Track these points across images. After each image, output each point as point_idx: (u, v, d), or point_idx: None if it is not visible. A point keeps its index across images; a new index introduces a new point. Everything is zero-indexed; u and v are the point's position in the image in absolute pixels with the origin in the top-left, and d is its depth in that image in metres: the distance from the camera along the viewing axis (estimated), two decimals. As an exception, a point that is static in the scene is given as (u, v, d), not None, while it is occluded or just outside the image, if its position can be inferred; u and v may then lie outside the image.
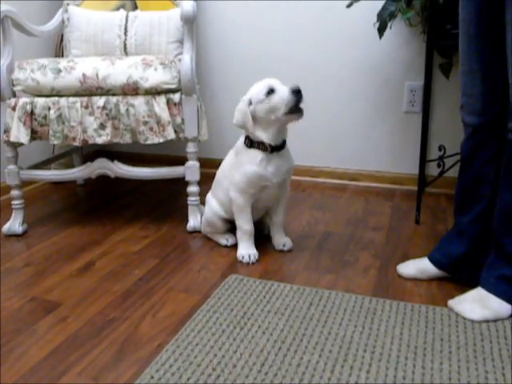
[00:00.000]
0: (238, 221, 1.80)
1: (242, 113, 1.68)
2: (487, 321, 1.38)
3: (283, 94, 1.63)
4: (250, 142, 1.73)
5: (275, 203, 1.85)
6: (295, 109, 1.63)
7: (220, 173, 1.88)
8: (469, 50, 1.43)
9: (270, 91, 1.65)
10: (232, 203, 1.78)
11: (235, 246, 1.85)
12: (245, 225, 1.79)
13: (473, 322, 1.38)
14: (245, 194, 1.75)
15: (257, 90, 1.68)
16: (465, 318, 1.40)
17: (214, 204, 1.89)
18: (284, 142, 1.75)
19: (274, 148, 1.72)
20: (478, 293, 1.43)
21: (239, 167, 1.74)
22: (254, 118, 1.69)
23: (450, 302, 1.46)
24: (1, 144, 2.02)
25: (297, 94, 1.62)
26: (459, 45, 1.46)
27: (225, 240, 1.92)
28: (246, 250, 1.80)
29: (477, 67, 1.42)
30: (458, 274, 1.58)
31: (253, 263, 1.77)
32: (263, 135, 1.69)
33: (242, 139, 1.78)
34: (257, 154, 1.71)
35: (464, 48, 1.44)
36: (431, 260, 1.61)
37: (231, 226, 1.90)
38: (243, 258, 1.78)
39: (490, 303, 1.40)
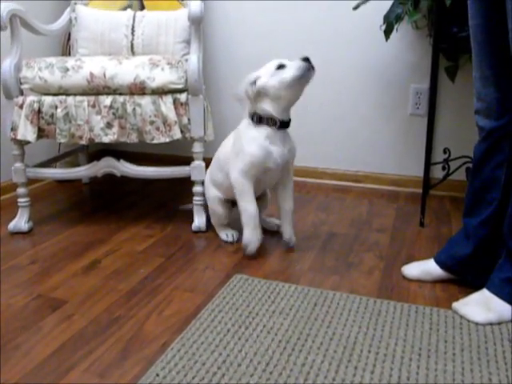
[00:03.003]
0: (240, 202, 1.78)
1: (242, 87, 1.73)
2: (491, 324, 1.38)
3: (294, 64, 1.68)
4: (259, 118, 1.74)
5: (281, 190, 1.86)
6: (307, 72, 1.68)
7: (222, 153, 1.89)
8: (480, 56, 1.42)
9: (280, 66, 1.69)
10: (233, 187, 1.78)
11: (239, 246, 1.86)
12: (248, 205, 1.77)
13: (477, 324, 1.39)
14: (247, 176, 1.75)
15: (265, 67, 1.73)
16: (469, 321, 1.40)
17: (212, 189, 1.94)
18: (289, 121, 1.78)
19: (282, 124, 1.74)
20: (483, 294, 1.44)
21: (243, 148, 1.74)
22: (265, 93, 1.70)
23: (455, 305, 1.46)
24: (1, 142, 2.02)
25: (307, 60, 1.67)
26: (472, 50, 1.46)
27: (228, 235, 1.95)
28: (252, 236, 1.78)
29: (489, 73, 1.41)
30: (463, 276, 1.58)
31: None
32: (272, 108, 1.72)
33: (244, 122, 1.79)
34: (263, 131, 1.73)
35: (475, 54, 1.44)
36: (437, 261, 1.61)
37: (233, 214, 1.91)
38: (250, 243, 1.79)
39: (494, 305, 1.40)
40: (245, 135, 1.76)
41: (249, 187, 1.76)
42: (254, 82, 1.71)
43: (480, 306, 1.42)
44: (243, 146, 1.74)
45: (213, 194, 1.93)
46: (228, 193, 1.87)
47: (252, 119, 1.75)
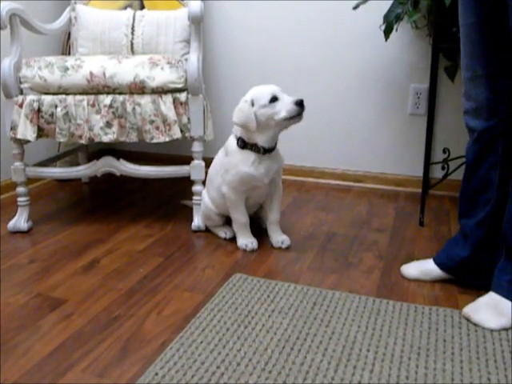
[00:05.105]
0: (233, 214, 1.87)
1: (245, 113, 1.71)
2: (505, 329, 1.35)
3: (287, 104, 1.68)
4: (243, 143, 1.77)
5: (268, 202, 1.90)
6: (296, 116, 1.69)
7: (212, 170, 1.93)
8: (472, 56, 1.41)
9: (274, 99, 1.69)
10: (225, 199, 1.84)
11: (236, 243, 1.90)
12: (240, 218, 1.86)
13: (492, 331, 1.35)
14: (237, 191, 1.81)
15: (260, 94, 1.72)
16: (469, 321, 1.39)
17: (206, 200, 1.96)
18: (275, 145, 1.81)
19: (266, 150, 1.77)
20: (491, 298, 1.41)
21: (231, 168, 1.79)
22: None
23: (466, 311, 1.42)
24: (1, 141, 2.02)
25: (300, 105, 1.68)
26: (461, 50, 1.45)
27: (223, 233, 1.97)
28: (246, 240, 1.87)
29: (481, 72, 1.40)
30: (462, 277, 1.58)
31: (255, 250, 1.85)
32: (259, 137, 1.74)
33: (232, 140, 1.82)
34: (249, 156, 1.77)
35: (467, 53, 1.43)
36: (436, 262, 1.61)
37: (227, 219, 1.96)
38: (246, 246, 1.86)
39: (505, 309, 1.38)
40: (233, 156, 1.79)
41: (240, 201, 1.83)
42: (252, 104, 1.71)
43: (491, 310, 1.39)
44: (232, 167, 1.79)
45: (208, 205, 1.95)
46: (222, 209, 1.91)
47: (237, 143, 1.79)
